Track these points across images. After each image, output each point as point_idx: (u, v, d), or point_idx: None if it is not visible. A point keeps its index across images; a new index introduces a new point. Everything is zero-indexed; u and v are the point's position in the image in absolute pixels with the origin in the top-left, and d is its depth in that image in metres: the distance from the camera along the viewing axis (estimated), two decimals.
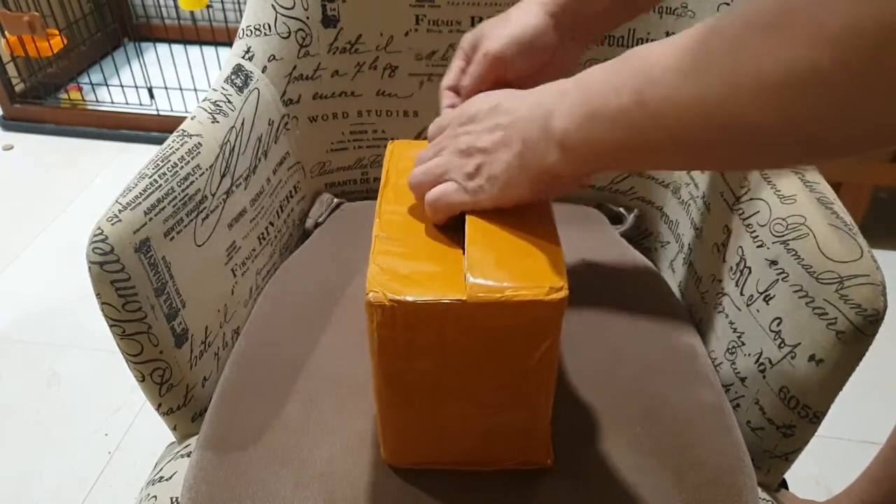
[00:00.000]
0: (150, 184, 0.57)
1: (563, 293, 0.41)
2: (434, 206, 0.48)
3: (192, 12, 2.18)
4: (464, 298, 0.41)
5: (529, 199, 0.47)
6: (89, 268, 0.52)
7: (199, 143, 0.62)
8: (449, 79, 0.58)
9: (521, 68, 0.55)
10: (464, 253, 0.45)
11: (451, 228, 0.48)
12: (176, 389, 0.60)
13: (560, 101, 0.42)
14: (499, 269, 0.42)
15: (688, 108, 0.35)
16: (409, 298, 0.41)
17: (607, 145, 0.40)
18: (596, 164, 0.43)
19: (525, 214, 0.47)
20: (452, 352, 0.44)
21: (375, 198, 0.52)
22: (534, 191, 0.46)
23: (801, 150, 0.33)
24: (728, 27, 0.33)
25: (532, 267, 0.43)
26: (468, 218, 0.47)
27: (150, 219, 0.55)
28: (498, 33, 0.55)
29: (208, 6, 1.74)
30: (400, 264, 0.44)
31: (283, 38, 0.76)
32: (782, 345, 0.54)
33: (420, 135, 0.85)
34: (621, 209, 0.84)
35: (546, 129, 0.43)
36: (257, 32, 0.76)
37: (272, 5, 0.75)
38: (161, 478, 0.58)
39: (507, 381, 0.46)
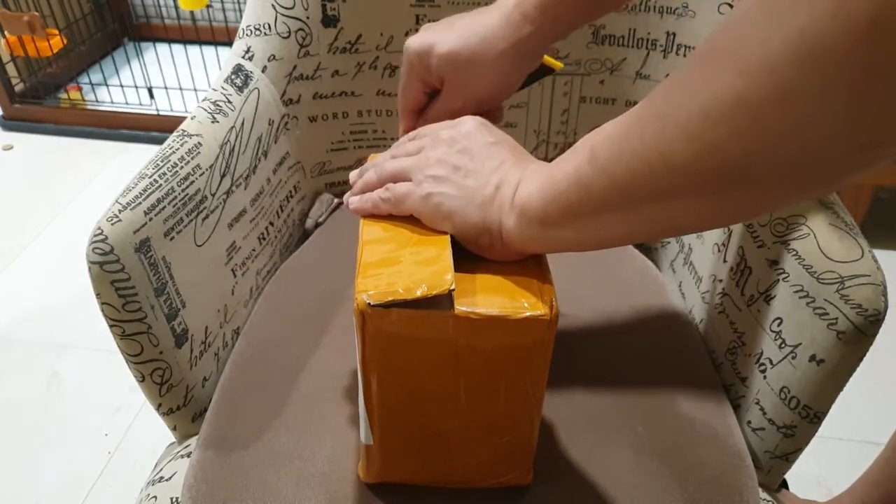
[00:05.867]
0: (150, 184, 0.56)
1: (552, 313, 0.41)
2: (384, 197, 0.48)
3: (192, 12, 2.18)
4: (450, 312, 0.40)
5: (460, 238, 0.45)
6: (89, 268, 0.52)
7: (199, 143, 0.62)
8: (410, 101, 0.56)
9: (495, 98, 0.55)
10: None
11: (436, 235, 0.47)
12: (176, 389, 0.60)
13: (538, 170, 0.43)
14: (489, 291, 0.42)
15: (631, 154, 0.35)
16: (398, 307, 0.40)
17: (560, 205, 0.40)
18: (546, 231, 0.41)
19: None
20: (439, 367, 0.43)
21: None
22: (474, 239, 0.45)
23: (736, 193, 0.32)
24: (671, 76, 0.33)
25: (523, 288, 0.43)
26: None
27: (150, 219, 0.55)
28: (474, 74, 0.52)
29: (208, 6, 1.74)
30: (388, 272, 0.43)
31: (283, 37, 0.76)
32: (783, 345, 0.54)
33: None
34: None
35: (515, 193, 0.43)
36: (257, 32, 0.76)
37: (272, 5, 0.75)
38: (161, 478, 0.58)
39: (494, 401, 0.45)
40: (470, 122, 0.48)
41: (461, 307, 0.40)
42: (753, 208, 0.34)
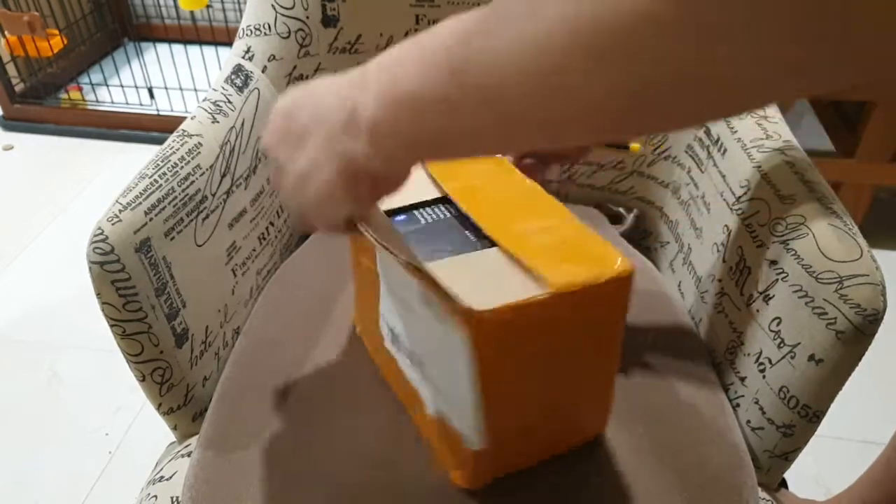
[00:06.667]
0: (151, 184, 0.57)
1: (629, 265, 0.43)
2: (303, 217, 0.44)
3: (192, 12, 2.19)
4: (551, 292, 0.42)
5: (353, 210, 0.42)
6: (90, 268, 0.52)
7: (200, 143, 0.63)
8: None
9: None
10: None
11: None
12: (176, 389, 0.60)
13: (364, 90, 0.37)
14: (554, 263, 0.44)
15: (511, 73, 0.29)
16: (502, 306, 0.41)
17: (427, 132, 0.35)
18: (414, 154, 0.38)
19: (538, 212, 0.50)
20: (541, 348, 0.45)
21: None
22: (355, 197, 0.40)
23: (637, 114, 0.28)
24: None
25: (588, 250, 0.45)
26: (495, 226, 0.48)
27: (151, 219, 0.55)
28: None
29: (208, 6, 1.74)
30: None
31: (283, 37, 0.76)
32: (782, 345, 0.54)
33: None
34: (621, 209, 0.84)
35: (353, 121, 0.37)
36: (257, 32, 0.76)
37: (272, 5, 0.75)
38: (161, 477, 0.58)
39: (586, 363, 0.47)
40: (280, 101, 0.43)
41: (555, 284, 0.42)
42: (656, 126, 0.31)
